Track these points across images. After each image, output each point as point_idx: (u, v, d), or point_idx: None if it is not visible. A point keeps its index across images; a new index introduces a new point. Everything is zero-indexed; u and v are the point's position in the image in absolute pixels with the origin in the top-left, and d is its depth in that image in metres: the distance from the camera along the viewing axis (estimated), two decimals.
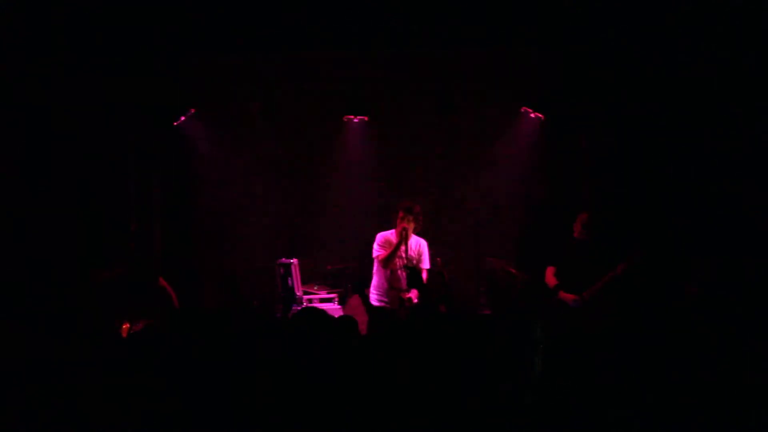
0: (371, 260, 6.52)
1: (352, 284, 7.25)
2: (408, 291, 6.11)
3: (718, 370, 3.58)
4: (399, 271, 6.18)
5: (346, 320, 4.09)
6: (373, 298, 6.33)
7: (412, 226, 6.18)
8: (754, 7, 6.50)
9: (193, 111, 8.10)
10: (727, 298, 6.46)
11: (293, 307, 7.07)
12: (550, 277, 6.52)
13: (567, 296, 6.37)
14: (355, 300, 7.10)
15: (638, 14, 7.14)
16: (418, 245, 6.26)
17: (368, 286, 6.65)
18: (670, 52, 7.22)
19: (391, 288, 6.19)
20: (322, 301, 7.21)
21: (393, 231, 6.28)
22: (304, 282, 7.39)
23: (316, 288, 7.49)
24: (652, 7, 7.05)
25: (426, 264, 6.29)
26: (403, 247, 6.13)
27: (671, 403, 3.41)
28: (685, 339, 4.10)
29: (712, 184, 7.17)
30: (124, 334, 5.92)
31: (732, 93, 6.84)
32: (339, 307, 7.12)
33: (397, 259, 6.17)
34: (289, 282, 7.17)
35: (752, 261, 6.63)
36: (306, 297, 7.21)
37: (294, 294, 7.13)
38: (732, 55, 6.78)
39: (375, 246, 6.31)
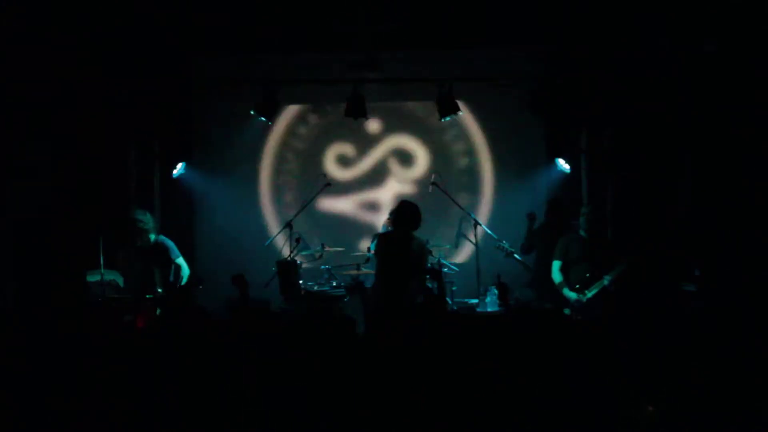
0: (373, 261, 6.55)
1: (354, 284, 7.26)
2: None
3: (718, 370, 3.58)
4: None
5: (345, 319, 4.09)
6: (374, 297, 6.33)
7: (412, 227, 6.20)
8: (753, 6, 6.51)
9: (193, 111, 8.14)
10: (727, 298, 6.46)
11: (293, 307, 7.07)
12: (555, 272, 6.64)
13: (569, 296, 6.47)
14: (353, 300, 7.10)
15: (637, 14, 7.15)
16: (418, 246, 6.26)
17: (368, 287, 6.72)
18: (669, 51, 7.23)
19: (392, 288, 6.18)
20: (324, 300, 7.20)
21: (394, 232, 6.28)
22: (305, 282, 7.38)
23: (316, 287, 7.48)
24: (650, 7, 7.05)
25: (425, 265, 6.29)
26: (403, 249, 6.13)
27: (671, 402, 3.41)
28: (684, 339, 4.10)
29: (712, 184, 7.18)
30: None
31: (731, 92, 6.84)
32: (340, 306, 7.12)
33: (396, 261, 6.15)
34: (290, 282, 7.16)
35: (753, 260, 6.63)
36: (307, 297, 7.19)
37: (295, 294, 7.11)
38: (730, 55, 6.78)
39: (375, 246, 6.31)
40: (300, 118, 8.66)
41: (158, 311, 6.45)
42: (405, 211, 6.21)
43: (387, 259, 6.17)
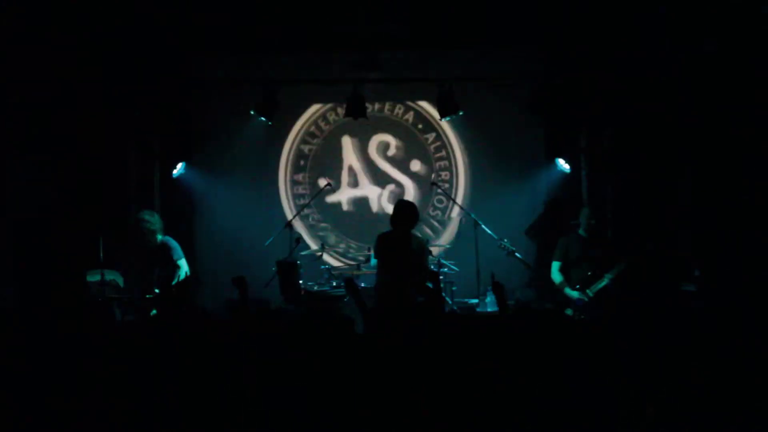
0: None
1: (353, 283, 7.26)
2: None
3: (718, 370, 3.58)
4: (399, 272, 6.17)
5: (345, 319, 4.09)
6: (376, 297, 6.33)
7: (411, 226, 6.22)
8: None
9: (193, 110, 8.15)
10: (727, 298, 6.46)
11: (293, 307, 7.07)
12: (555, 272, 6.68)
13: (571, 294, 6.51)
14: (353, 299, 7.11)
15: (637, 14, 7.14)
16: (418, 245, 6.26)
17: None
18: (669, 51, 7.22)
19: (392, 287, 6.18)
20: (324, 300, 7.19)
21: (394, 231, 6.28)
22: (304, 282, 7.38)
23: (316, 287, 7.48)
24: (650, 7, 7.05)
25: (425, 265, 6.29)
26: (403, 248, 6.13)
27: (671, 402, 3.41)
28: (684, 339, 4.10)
29: (712, 184, 7.17)
30: None
31: (731, 91, 6.84)
32: (339, 306, 7.12)
33: (397, 260, 6.16)
34: (290, 282, 7.15)
35: (753, 260, 6.63)
36: (307, 297, 7.19)
37: (295, 294, 7.11)
38: (730, 55, 6.78)
39: (376, 246, 6.32)
40: (301, 117, 8.65)
41: (153, 311, 6.45)
42: (403, 210, 6.22)
43: (387, 259, 6.17)
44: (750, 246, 6.71)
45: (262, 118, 7.73)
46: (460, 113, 7.78)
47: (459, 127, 8.51)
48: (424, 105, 8.51)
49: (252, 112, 7.66)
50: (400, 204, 6.34)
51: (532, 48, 8.09)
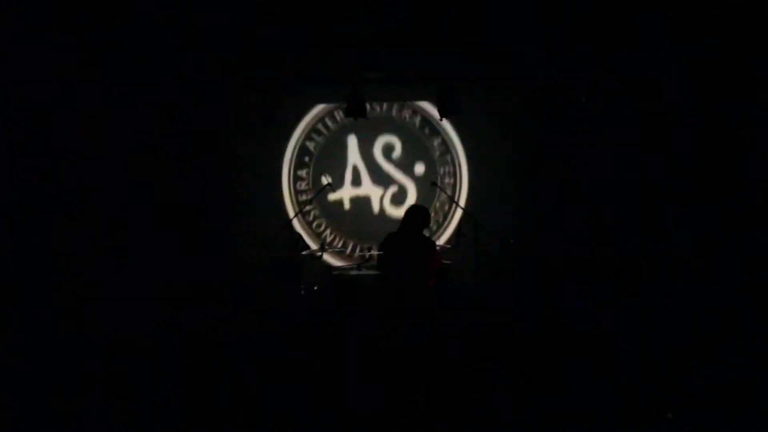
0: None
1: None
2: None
3: (718, 370, 3.58)
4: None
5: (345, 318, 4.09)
6: (380, 297, 6.35)
7: (420, 228, 6.23)
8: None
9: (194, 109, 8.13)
10: (727, 298, 6.47)
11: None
12: None
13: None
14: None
15: (637, 14, 7.15)
16: (425, 246, 6.27)
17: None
18: (669, 51, 7.23)
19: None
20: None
21: (399, 232, 6.30)
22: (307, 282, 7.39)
23: (316, 288, 7.48)
24: (650, 7, 7.05)
25: (433, 264, 6.31)
26: (407, 249, 6.15)
27: (671, 402, 3.41)
28: (684, 339, 4.10)
29: (712, 184, 7.18)
30: None
31: (731, 91, 6.85)
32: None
33: (399, 260, 6.17)
34: (290, 282, 7.16)
35: (753, 260, 6.64)
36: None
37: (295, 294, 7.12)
38: (730, 55, 6.79)
39: (381, 245, 6.34)
40: (307, 114, 8.68)
41: None
42: (414, 214, 6.24)
43: (393, 260, 6.18)
44: (750, 246, 6.72)
45: (263, 119, 7.73)
46: (460, 113, 7.78)
47: (462, 131, 8.54)
48: (430, 108, 8.55)
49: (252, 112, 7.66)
50: (412, 207, 6.38)
51: (532, 48, 8.09)
